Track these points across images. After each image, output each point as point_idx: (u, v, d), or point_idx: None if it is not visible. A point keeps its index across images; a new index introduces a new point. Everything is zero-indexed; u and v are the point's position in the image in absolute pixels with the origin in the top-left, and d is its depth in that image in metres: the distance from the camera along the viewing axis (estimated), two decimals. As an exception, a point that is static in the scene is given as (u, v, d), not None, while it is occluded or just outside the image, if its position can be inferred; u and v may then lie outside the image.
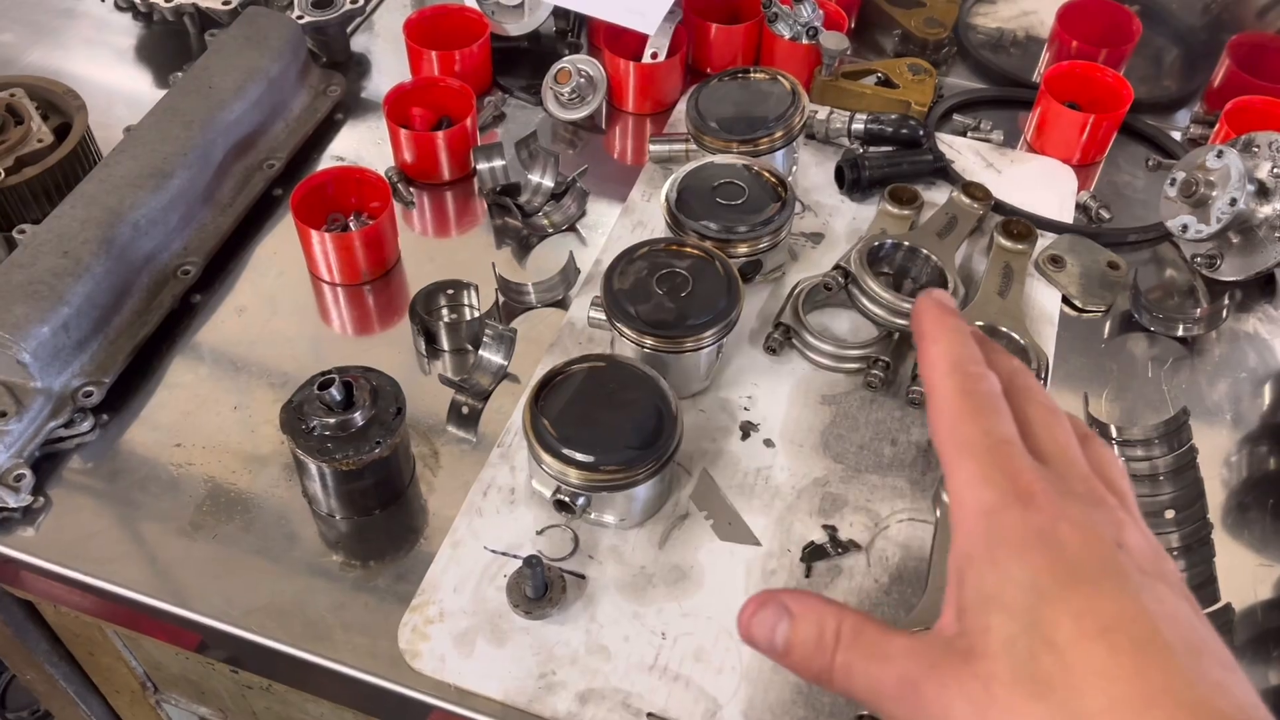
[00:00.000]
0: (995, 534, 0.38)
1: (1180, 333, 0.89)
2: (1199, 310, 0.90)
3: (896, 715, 0.40)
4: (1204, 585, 0.69)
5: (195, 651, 0.78)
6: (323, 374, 0.71)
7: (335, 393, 0.70)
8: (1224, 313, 0.89)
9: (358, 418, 0.71)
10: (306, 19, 1.06)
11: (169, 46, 1.15)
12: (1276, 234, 0.87)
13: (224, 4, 1.08)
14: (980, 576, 0.38)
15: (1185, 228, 0.90)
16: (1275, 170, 0.87)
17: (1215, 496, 0.79)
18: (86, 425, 0.79)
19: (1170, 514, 0.74)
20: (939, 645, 0.39)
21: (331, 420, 0.70)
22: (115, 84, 1.11)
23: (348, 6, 1.08)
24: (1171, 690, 0.34)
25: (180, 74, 1.01)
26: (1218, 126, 1.01)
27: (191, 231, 0.89)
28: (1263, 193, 0.88)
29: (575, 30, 1.15)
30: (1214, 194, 0.88)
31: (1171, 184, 0.92)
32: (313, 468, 0.71)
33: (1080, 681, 0.34)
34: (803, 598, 0.43)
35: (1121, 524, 0.39)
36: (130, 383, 0.82)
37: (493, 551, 0.71)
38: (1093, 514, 0.39)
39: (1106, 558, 0.37)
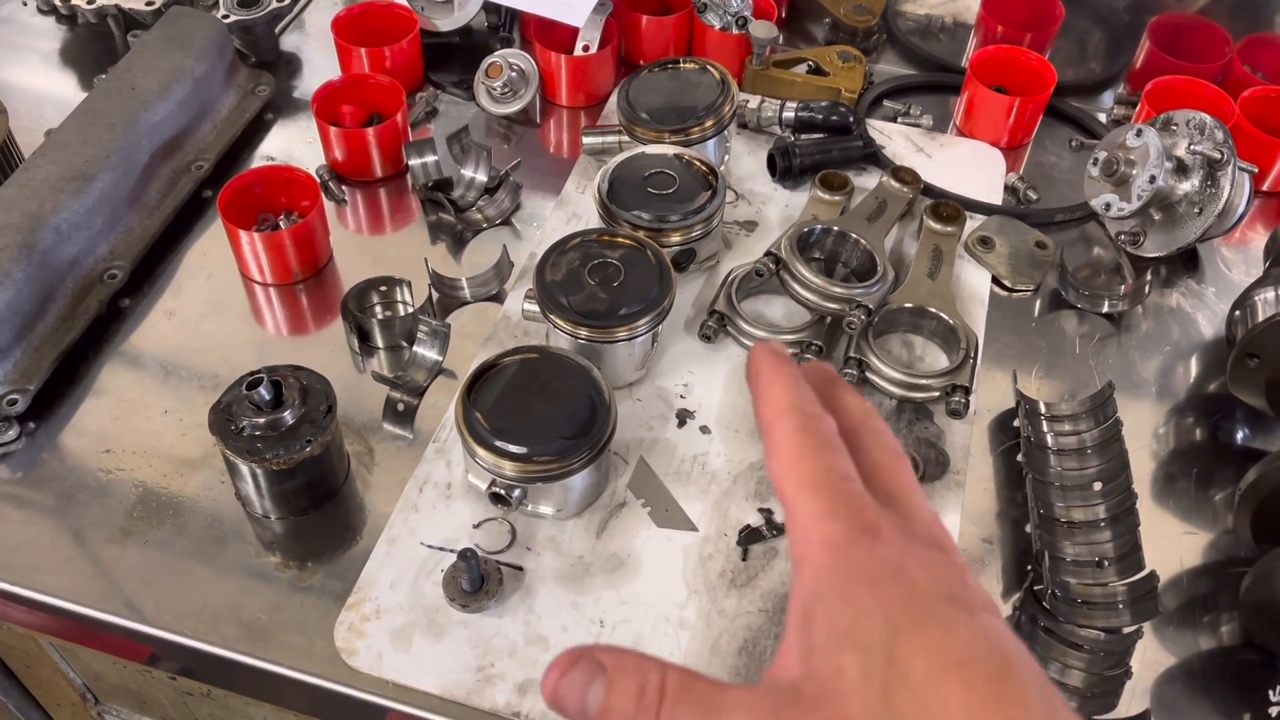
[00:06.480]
0: (845, 568, 0.36)
1: (1107, 309, 0.91)
2: (1124, 287, 0.92)
3: None
4: (1129, 554, 0.71)
5: (131, 660, 0.76)
6: (251, 374, 0.70)
7: (264, 392, 0.69)
8: (1147, 288, 0.91)
9: (287, 417, 0.70)
10: (232, 18, 1.04)
11: (94, 49, 1.13)
12: (1195, 210, 0.89)
13: (147, 5, 1.07)
14: (831, 613, 0.36)
15: (1108, 206, 0.92)
16: (1192, 147, 0.89)
17: (1144, 467, 0.81)
18: (12, 434, 0.77)
19: (1097, 486, 0.75)
20: (782, 692, 0.36)
21: (261, 420, 0.69)
22: (40, 88, 1.09)
23: (274, 5, 1.06)
24: None
25: (103, 76, 0.99)
26: (1139, 106, 1.03)
27: (117, 235, 0.88)
28: (1181, 170, 0.90)
29: (507, 25, 1.14)
30: (1134, 172, 0.90)
31: (1094, 164, 0.93)
32: (244, 468, 0.70)
33: (939, 718, 0.33)
34: (618, 654, 0.38)
35: (961, 569, 0.39)
36: (57, 389, 0.81)
37: (429, 547, 0.71)
38: (935, 555, 0.38)
39: (955, 594, 0.36)
